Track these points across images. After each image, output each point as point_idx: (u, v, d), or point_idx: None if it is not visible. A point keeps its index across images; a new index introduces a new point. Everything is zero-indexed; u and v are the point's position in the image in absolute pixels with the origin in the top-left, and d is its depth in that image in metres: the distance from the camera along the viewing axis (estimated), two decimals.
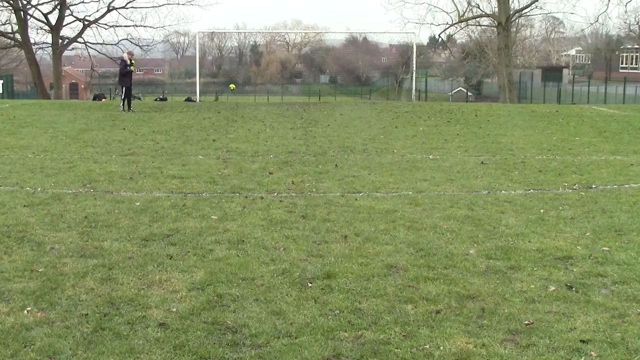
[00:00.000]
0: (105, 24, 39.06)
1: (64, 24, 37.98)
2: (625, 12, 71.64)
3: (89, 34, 40.23)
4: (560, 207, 7.19)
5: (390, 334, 3.88)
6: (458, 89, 53.49)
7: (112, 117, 17.82)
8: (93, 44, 39.62)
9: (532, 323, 4.04)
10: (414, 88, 30.60)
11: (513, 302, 4.40)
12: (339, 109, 21.60)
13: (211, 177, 8.90)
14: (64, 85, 46.19)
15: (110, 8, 38.14)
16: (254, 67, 77.41)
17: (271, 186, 8.31)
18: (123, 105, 19.97)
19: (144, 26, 42.11)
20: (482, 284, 4.74)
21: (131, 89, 20.52)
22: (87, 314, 4.13)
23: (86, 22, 38.32)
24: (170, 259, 5.27)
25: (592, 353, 3.65)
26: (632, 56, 64.70)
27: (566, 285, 4.71)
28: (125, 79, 20.28)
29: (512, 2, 34.60)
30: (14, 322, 4.01)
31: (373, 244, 5.73)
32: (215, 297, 4.44)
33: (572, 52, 72.87)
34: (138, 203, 7.24)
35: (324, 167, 9.74)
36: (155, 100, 34.12)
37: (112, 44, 39.52)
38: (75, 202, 7.30)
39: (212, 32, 68.41)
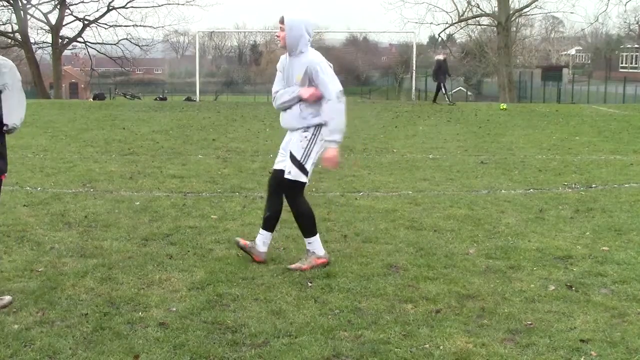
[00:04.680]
0: (105, 24, 39.08)
1: (63, 23, 37.98)
2: (625, 11, 71.68)
3: (88, 34, 40.18)
4: (560, 207, 7.19)
5: (390, 334, 3.88)
6: (458, 88, 53.41)
7: (111, 117, 17.82)
8: (93, 43, 39.65)
9: (532, 324, 4.04)
10: (413, 87, 30.61)
11: (513, 301, 4.40)
12: None
13: (211, 177, 8.90)
14: (63, 85, 46.22)
15: (110, 8, 38.14)
16: (253, 67, 77.27)
17: None
18: None
19: (144, 26, 42.07)
20: (482, 283, 4.74)
21: None
22: (87, 314, 4.13)
23: (86, 22, 38.32)
24: (170, 258, 5.27)
25: (592, 353, 3.65)
26: (632, 56, 64.71)
27: (566, 284, 4.71)
28: None
29: (512, 1, 34.59)
30: (14, 321, 4.01)
31: (373, 244, 5.73)
32: (215, 297, 4.44)
33: (572, 51, 72.83)
34: (138, 203, 7.24)
35: (323, 167, 9.73)
36: (155, 99, 34.14)
37: (111, 44, 39.55)
38: (75, 201, 7.30)
39: (211, 32, 68.29)
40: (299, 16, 4.93)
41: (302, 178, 5.00)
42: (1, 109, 4.12)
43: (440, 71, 23.26)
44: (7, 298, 4.29)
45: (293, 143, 4.98)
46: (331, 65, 4.99)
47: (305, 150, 4.97)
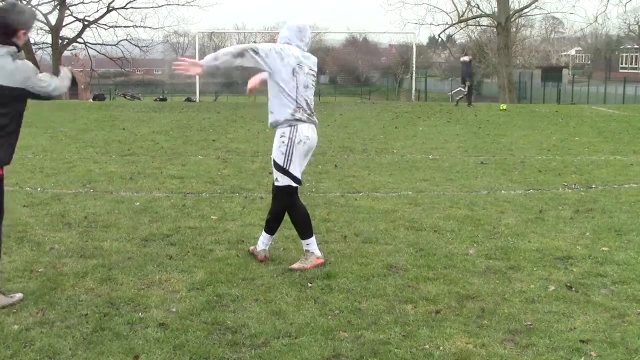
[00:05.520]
0: (105, 25, 39.16)
1: (63, 24, 38.03)
2: (625, 12, 71.65)
3: (88, 35, 40.28)
4: (560, 207, 7.19)
5: (390, 334, 3.88)
6: (458, 89, 53.46)
7: (111, 118, 17.82)
8: (93, 44, 39.72)
9: (532, 325, 4.04)
10: (413, 88, 30.67)
11: (513, 302, 4.40)
12: (338, 109, 21.60)
13: (211, 177, 8.90)
14: None
15: (110, 8, 38.21)
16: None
17: (271, 186, 8.29)
18: None
19: (144, 27, 42.14)
20: (482, 284, 4.74)
21: None
22: (87, 314, 4.12)
23: (86, 23, 38.37)
24: (170, 259, 5.26)
25: (592, 353, 3.65)
26: (632, 56, 64.74)
27: (566, 285, 4.71)
28: None
29: (512, 2, 34.64)
30: (14, 322, 4.00)
31: (373, 244, 5.73)
32: (215, 297, 4.44)
33: (572, 52, 72.87)
34: (138, 203, 7.24)
35: (323, 167, 9.74)
36: (155, 100, 34.15)
37: (111, 45, 39.60)
38: (75, 202, 7.30)
39: (211, 33, 68.23)
40: (289, 22, 5.00)
41: (290, 182, 5.00)
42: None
43: (467, 72, 23.39)
44: (18, 295, 4.33)
45: (274, 149, 4.97)
46: (301, 65, 4.85)
47: (285, 155, 4.94)
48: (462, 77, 23.98)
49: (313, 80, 5.01)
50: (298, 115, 4.89)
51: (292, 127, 4.90)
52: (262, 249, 5.26)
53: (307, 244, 5.11)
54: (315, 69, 5.07)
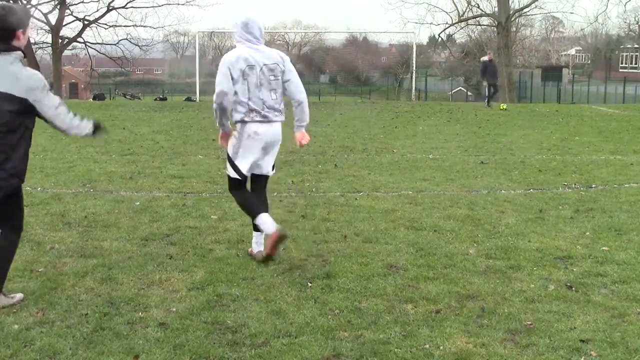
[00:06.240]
0: (105, 24, 39.11)
1: (63, 23, 37.99)
2: (625, 11, 71.66)
3: (88, 34, 40.22)
4: (560, 207, 7.19)
5: (390, 334, 3.88)
6: (458, 88, 53.45)
7: (111, 117, 17.83)
8: (93, 43, 39.67)
9: (532, 324, 4.04)
10: (413, 88, 30.67)
11: (513, 301, 4.40)
12: (338, 108, 21.60)
13: (211, 177, 8.90)
14: (63, 85, 46.23)
15: (110, 8, 38.14)
16: None
17: (271, 186, 8.29)
18: None
19: (144, 26, 42.04)
20: (482, 283, 4.74)
21: None
22: (87, 314, 4.12)
23: (86, 22, 38.33)
24: (170, 258, 5.26)
25: (592, 353, 3.65)
26: (632, 56, 64.72)
27: (566, 284, 4.71)
28: None
29: (512, 1, 34.64)
30: (14, 321, 4.01)
31: (373, 244, 5.73)
32: (215, 297, 4.44)
33: (572, 51, 72.86)
34: (138, 203, 7.24)
35: (323, 167, 9.75)
36: (155, 100, 34.19)
37: (111, 44, 39.58)
38: (75, 201, 7.30)
39: (211, 32, 68.22)
40: (237, 19, 5.11)
41: (234, 174, 5.12)
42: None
43: (487, 72, 22.63)
44: (18, 295, 4.33)
45: None
46: (252, 65, 4.91)
47: (234, 147, 5.08)
48: (485, 76, 22.96)
49: (272, 75, 5.04)
50: (247, 119, 5.02)
51: (242, 124, 5.03)
52: (258, 250, 5.25)
53: (258, 224, 5.09)
54: (273, 62, 5.05)
